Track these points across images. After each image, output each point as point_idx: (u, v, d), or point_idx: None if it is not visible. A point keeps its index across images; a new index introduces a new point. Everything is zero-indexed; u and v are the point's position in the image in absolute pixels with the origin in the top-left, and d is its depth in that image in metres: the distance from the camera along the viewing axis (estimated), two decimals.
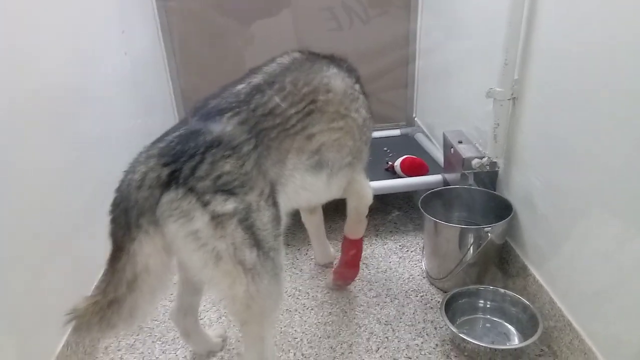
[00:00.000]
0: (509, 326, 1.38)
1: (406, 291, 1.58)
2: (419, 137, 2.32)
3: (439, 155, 2.03)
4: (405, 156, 1.95)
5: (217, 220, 0.96)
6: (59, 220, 1.28)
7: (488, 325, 1.40)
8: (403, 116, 2.62)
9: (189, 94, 2.50)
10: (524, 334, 1.32)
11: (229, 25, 2.37)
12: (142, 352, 1.39)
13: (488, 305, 1.43)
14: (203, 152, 0.97)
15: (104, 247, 1.53)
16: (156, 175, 0.95)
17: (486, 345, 1.28)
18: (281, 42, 2.40)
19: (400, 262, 1.73)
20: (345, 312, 1.51)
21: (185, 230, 0.95)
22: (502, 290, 1.41)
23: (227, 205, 0.97)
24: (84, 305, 0.96)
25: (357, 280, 1.63)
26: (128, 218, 0.95)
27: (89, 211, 1.45)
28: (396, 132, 2.41)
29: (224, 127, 1.03)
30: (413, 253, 1.78)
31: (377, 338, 1.40)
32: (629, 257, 1.03)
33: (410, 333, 1.41)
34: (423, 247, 1.69)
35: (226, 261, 0.98)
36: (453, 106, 2.04)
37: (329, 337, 1.41)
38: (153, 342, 1.42)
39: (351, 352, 1.35)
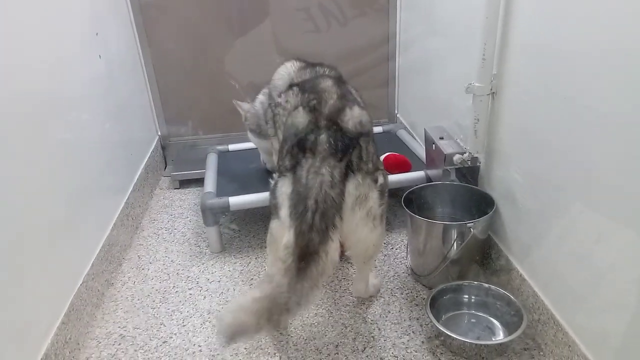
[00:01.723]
0: (494, 321, 1.38)
1: (391, 289, 1.58)
2: (401, 133, 2.32)
3: (421, 151, 2.02)
4: (388, 153, 1.94)
5: (381, 191, 1.21)
6: (34, 227, 1.25)
7: (473, 320, 1.40)
8: (385, 113, 2.62)
9: (167, 96, 2.48)
10: (509, 328, 1.32)
11: (207, 26, 2.35)
12: None
13: (473, 301, 1.43)
14: (357, 143, 1.15)
15: (81, 254, 1.51)
16: (339, 171, 1.09)
17: (472, 341, 1.28)
18: (260, 43, 2.39)
19: (385, 259, 1.72)
20: (331, 312, 1.50)
21: (365, 209, 1.16)
22: (486, 285, 1.42)
23: (384, 178, 1.24)
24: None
25: (342, 280, 1.62)
26: (326, 220, 1.05)
27: (66, 217, 1.42)
28: (378, 129, 2.40)
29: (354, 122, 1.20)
30: (397, 250, 1.77)
31: (363, 338, 1.39)
32: (610, 250, 1.03)
33: (397, 331, 1.40)
34: (407, 245, 1.69)
35: (381, 221, 1.25)
36: (434, 102, 2.04)
37: (314, 338, 1.40)
38: (135, 350, 1.39)
39: (337, 353, 1.34)
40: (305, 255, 1.03)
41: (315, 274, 1.04)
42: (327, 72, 1.49)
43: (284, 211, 1.13)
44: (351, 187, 1.13)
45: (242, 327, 1.00)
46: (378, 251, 1.39)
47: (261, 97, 1.83)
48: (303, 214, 1.05)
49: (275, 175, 1.25)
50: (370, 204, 1.18)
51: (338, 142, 1.12)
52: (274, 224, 1.25)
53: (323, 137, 1.13)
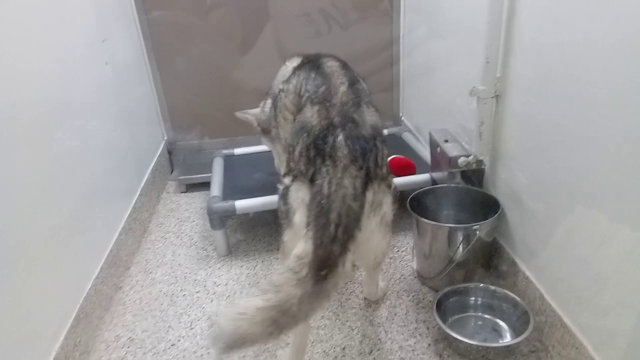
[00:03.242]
0: (501, 323, 1.39)
1: (398, 292, 1.58)
2: (406, 136, 2.33)
3: (426, 154, 2.03)
4: (393, 156, 1.95)
5: (394, 196, 1.18)
6: (40, 234, 1.26)
7: (480, 322, 1.41)
8: (390, 116, 2.63)
9: (173, 101, 2.50)
10: (516, 330, 1.32)
11: (212, 32, 2.37)
12: None
13: (479, 303, 1.43)
14: (374, 145, 1.10)
15: (90, 258, 1.52)
16: (361, 181, 1.04)
17: (478, 343, 1.28)
18: (263, 49, 2.41)
19: (391, 262, 1.73)
20: (338, 315, 1.50)
21: (379, 215, 1.11)
22: (493, 287, 1.42)
23: (394, 182, 1.20)
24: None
25: (349, 283, 1.63)
26: (348, 232, 1.00)
27: (74, 221, 1.44)
28: (383, 132, 2.41)
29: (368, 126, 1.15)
30: (404, 253, 1.78)
31: (370, 340, 1.39)
32: (616, 251, 1.04)
33: (403, 334, 1.41)
34: (413, 247, 1.69)
35: (391, 227, 1.20)
36: (438, 105, 2.05)
37: (321, 341, 1.40)
38: (144, 353, 1.40)
39: (344, 356, 1.35)
40: (324, 267, 0.99)
41: (330, 285, 1.00)
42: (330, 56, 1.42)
43: (299, 218, 1.08)
44: (369, 194, 1.08)
45: (245, 337, 0.95)
46: (386, 257, 1.37)
47: (269, 101, 1.79)
48: (325, 227, 0.99)
49: (286, 180, 1.16)
50: (384, 210, 1.14)
51: (356, 145, 1.06)
52: (287, 237, 1.16)
53: (340, 139, 1.06)
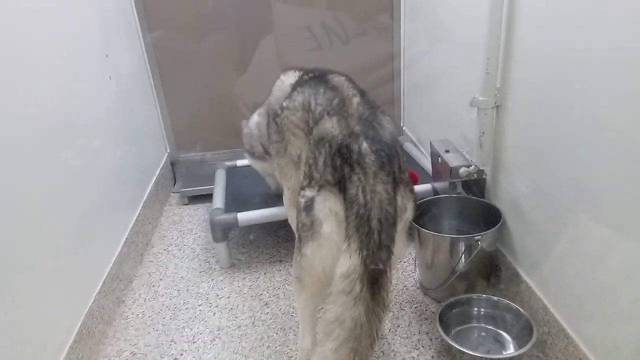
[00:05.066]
0: (504, 334, 1.38)
1: (400, 303, 1.58)
2: (408, 146, 2.33)
3: (427, 164, 2.03)
4: None
5: (415, 201, 1.15)
6: (43, 248, 1.27)
7: (483, 333, 1.40)
8: None
9: (176, 113, 2.52)
10: (519, 341, 1.31)
11: (214, 47, 2.39)
12: None
13: (482, 314, 1.43)
14: (396, 151, 1.09)
15: (92, 272, 1.53)
16: (391, 186, 1.03)
17: (482, 355, 1.27)
18: (265, 62, 2.43)
19: (394, 273, 1.72)
20: None
21: (403, 220, 1.09)
22: (496, 298, 1.41)
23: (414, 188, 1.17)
24: None
25: None
26: (389, 237, 0.99)
27: (77, 235, 1.45)
28: None
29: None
30: (406, 264, 1.77)
31: (373, 352, 1.38)
32: (619, 260, 1.03)
33: (406, 346, 1.40)
34: (415, 258, 1.69)
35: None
36: (439, 115, 2.06)
37: None
38: None
39: None
40: (376, 277, 0.96)
41: (384, 293, 0.98)
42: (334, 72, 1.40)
43: (328, 228, 1.03)
44: (399, 198, 1.06)
45: None
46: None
47: (256, 118, 1.75)
48: (370, 236, 0.97)
49: (307, 191, 1.09)
50: (408, 215, 1.12)
51: (382, 152, 1.05)
52: (309, 249, 1.06)
53: (365, 146, 1.05)
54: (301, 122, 1.25)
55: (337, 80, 1.28)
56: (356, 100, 1.19)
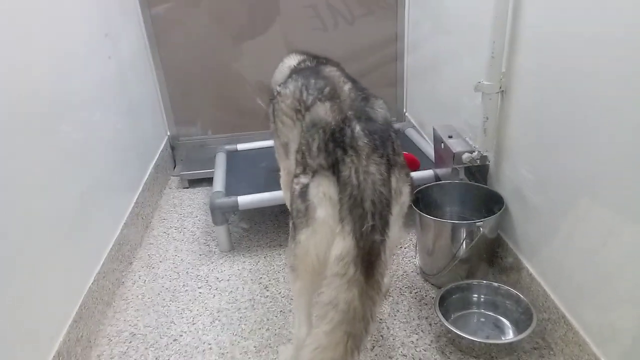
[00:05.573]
0: (504, 320, 1.38)
1: (400, 288, 1.58)
2: (410, 132, 2.32)
3: (430, 150, 2.02)
4: None
5: (411, 185, 1.14)
6: (43, 228, 1.26)
7: (482, 319, 1.40)
8: (393, 112, 2.62)
9: (177, 96, 2.49)
10: (519, 327, 1.32)
11: (216, 26, 2.36)
12: (135, 359, 1.37)
13: (482, 300, 1.43)
14: (389, 134, 1.09)
15: (92, 253, 1.53)
16: (385, 167, 1.02)
17: (481, 340, 1.28)
18: (268, 42, 2.39)
19: (394, 258, 1.72)
20: None
21: (399, 204, 1.08)
22: (496, 284, 1.41)
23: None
24: None
25: None
26: (383, 219, 0.98)
27: (77, 216, 1.44)
28: None
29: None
30: (406, 250, 1.77)
31: (372, 336, 1.39)
32: (619, 247, 1.03)
33: (405, 330, 1.40)
34: (416, 244, 1.69)
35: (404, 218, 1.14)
36: (442, 100, 2.04)
37: None
38: (146, 348, 1.40)
39: None
40: (371, 260, 0.95)
41: (379, 276, 0.97)
42: (328, 62, 1.44)
43: (322, 212, 1.03)
44: (393, 180, 1.05)
45: None
46: (396, 249, 1.34)
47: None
48: (363, 218, 0.96)
49: (302, 178, 1.09)
50: (403, 199, 1.11)
51: (374, 134, 1.04)
52: (303, 236, 1.06)
53: (358, 129, 1.05)
54: (290, 111, 1.25)
55: (329, 70, 1.30)
56: (347, 87, 1.20)
